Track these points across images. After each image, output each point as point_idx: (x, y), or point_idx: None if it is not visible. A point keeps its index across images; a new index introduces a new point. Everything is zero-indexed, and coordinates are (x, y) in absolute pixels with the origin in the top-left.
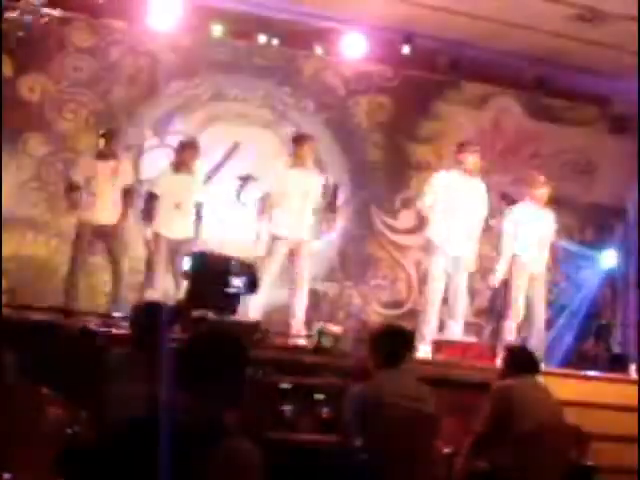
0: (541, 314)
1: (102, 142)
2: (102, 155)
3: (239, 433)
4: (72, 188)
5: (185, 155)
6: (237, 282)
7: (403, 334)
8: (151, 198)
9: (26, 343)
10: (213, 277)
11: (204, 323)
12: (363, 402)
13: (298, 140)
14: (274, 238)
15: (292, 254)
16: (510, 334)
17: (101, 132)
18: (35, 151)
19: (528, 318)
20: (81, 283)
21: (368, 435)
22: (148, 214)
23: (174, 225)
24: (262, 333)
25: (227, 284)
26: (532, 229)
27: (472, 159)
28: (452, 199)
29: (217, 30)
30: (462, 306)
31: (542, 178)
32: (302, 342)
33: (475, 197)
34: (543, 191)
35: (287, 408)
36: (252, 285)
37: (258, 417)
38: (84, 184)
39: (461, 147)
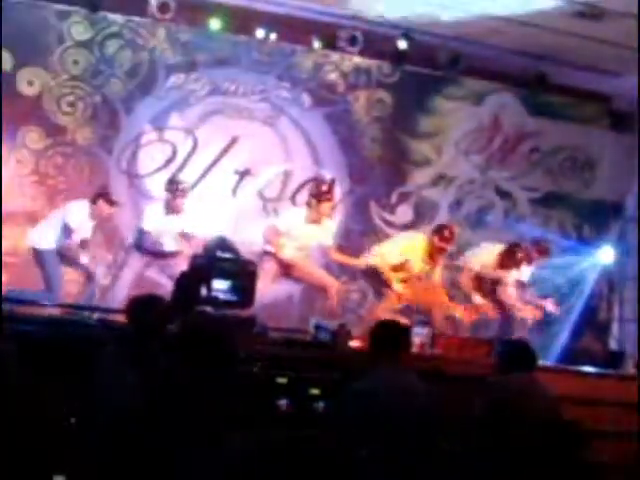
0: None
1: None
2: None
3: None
4: None
5: (176, 200)
6: (221, 285)
7: (401, 330)
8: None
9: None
10: (196, 279)
11: (200, 318)
12: (361, 399)
13: (321, 196)
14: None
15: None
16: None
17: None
18: (34, 144)
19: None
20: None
21: (367, 431)
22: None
23: None
24: (259, 327)
25: (209, 287)
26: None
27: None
28: None
29: (215, 24)
30: None
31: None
32: (299, 337)
33: None
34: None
35: (283, 403)
36: (240, 289)
37: (254, 412)
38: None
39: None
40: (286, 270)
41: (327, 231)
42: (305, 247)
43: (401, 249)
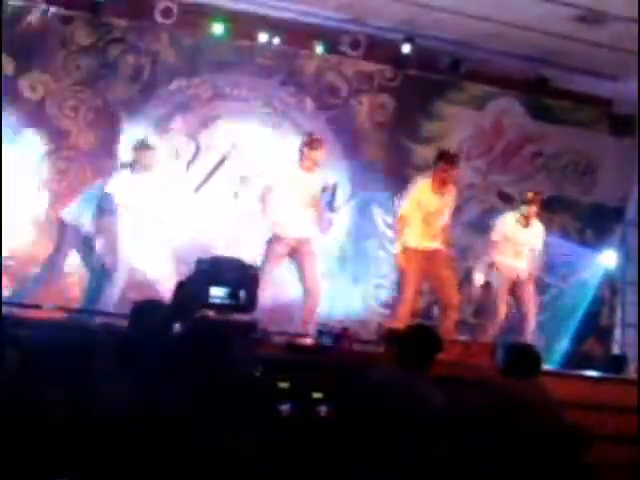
0: (531, 314)
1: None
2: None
3: None
4: None
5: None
6: (223, 290)
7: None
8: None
9: (27, 341)
10: (198, 283)
11: (202, 322)
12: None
13: (312, 144)
14: (275, 238)
15: (295, 253)
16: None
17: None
18: (36, 149)
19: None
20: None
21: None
22: None
23: None
24: (261, 332)
25: (207, 295)
26: (517, 239)
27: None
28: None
29: (218, 29)
30: None
31: (531, 194)
32: (301, 341)
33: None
34: (531, 208)
35: (285, 407)
36: (241, 293)
37: (256, 416)
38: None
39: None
40: (292, 251)
41: (323, 178)
42: (305, 196)
43: (411, 196)
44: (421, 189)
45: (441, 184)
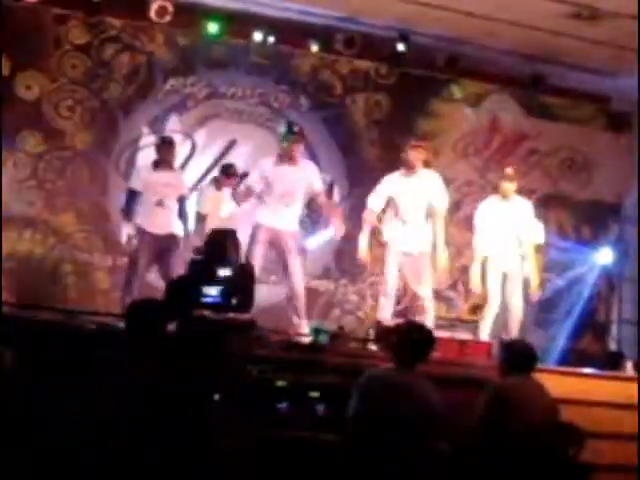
0: (518, 309)
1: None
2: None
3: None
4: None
5: (163, 152)
6: (219, 288)
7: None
8: (131, 195)
9: (25, 342)
10: (194, 281)
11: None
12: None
13: (290, 136)
14: (257, 226)
15: (278, 247)
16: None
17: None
18: (32, 149)
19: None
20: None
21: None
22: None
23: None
24: (258, 331)
25: (200, 293)
26: (501, 224)
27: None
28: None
29: (213, 28)
30: None
31: (509, 170)
32: (298, 340)
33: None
34: (508, 184)
35: (283, 406)
36: (238, 292)
37: (254, 415)
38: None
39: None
40: (274, 243)
41: (311, 173)
42: (291, 192)
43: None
44: (389, 180)
45: (410, 165)
